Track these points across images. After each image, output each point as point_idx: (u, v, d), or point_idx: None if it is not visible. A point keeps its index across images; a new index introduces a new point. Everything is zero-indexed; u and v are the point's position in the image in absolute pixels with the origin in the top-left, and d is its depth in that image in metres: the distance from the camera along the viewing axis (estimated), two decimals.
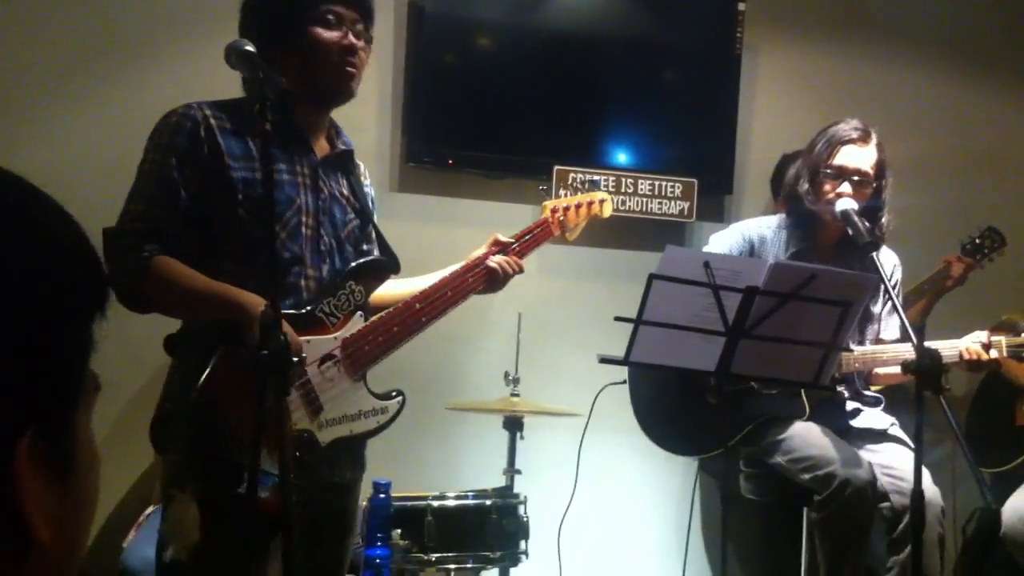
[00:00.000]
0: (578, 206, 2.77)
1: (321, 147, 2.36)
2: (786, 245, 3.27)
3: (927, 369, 2.57)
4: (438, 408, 3.68)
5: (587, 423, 3.62)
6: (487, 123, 3.91)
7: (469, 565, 3.13)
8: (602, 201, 2.83)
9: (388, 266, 2.38)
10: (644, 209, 4.12)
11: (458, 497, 3.20)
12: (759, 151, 4.14)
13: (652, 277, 2.56)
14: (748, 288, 2.59)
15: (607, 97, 4.16)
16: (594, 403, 3.60)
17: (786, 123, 3.94)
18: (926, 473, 2.97)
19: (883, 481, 3.11)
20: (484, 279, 2.54)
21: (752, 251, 3.28)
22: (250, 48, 2.05)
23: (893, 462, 3.16)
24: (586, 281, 4.12)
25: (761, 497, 3.35)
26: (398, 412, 2.37)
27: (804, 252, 3.23)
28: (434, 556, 3.07)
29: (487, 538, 3.12)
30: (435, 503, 3.12)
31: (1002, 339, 3.07)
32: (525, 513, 3.22)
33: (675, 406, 3.28)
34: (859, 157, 3.20)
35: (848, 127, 3.24)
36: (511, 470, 3.39)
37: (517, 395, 3.47)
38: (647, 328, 2.62)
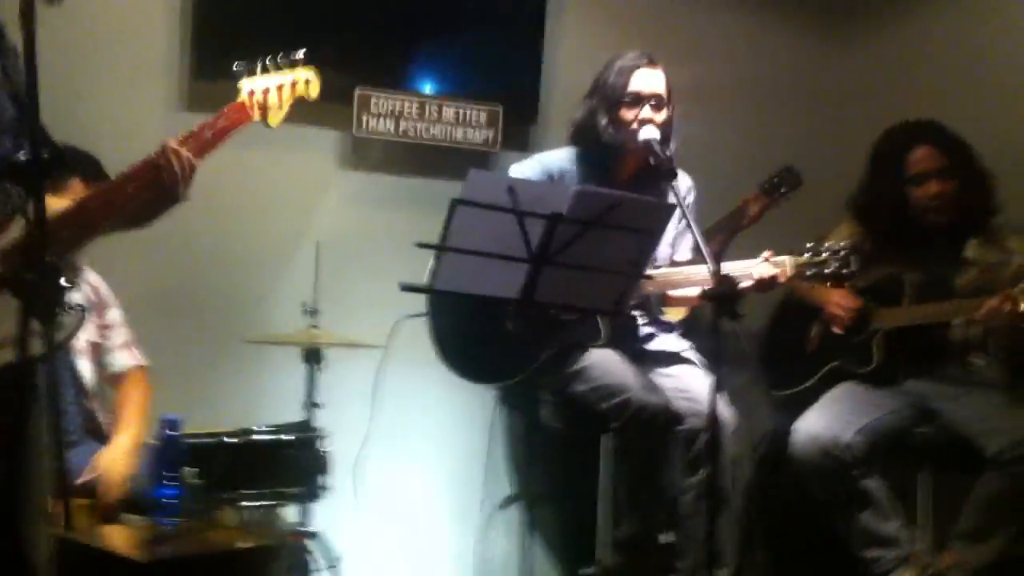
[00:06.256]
0: (280, 86, 2.45)
1: None
2: (584, 179, 3.27)
3: (723, 295, 2.63)
4: (233, 341, 3.53)
5: (384, 355, 3.55)
6: (285, 40, 3.69)
7: (266, 502, 3.03)
8: (308, 80, 2.50)
9: (52, 162, 2.03)
10: (448, 137, 4.04)
11: (253, 432, 3.09)
12: (565, 80, 4.12)
13: (455, 202, 2.50)
14: (552, 214, 2.55)
15: (411, 19, 4.03)
16: (391, 334, 3.53)
17: (594, 51, 3.91)
18: (721, 396, 3.05)
19: (679, 404, 3.17)
20: (161, 171, 2.20)
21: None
22: None
23: (688, 385, 3.23)
24: (388, 210, 4.01)
25: (563, 425, 3.36)
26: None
27: (602, 184, 3.24)
28: (228, 494, 2.95)
29: (284, 474, 3.04)
30: (228, 439, 3.00)
31: (786, 258, 3.14)
32: (323, 447, 3.14)
33: (475, 335, 3.24)
34: (652, 80, 3.27)
35: (633, 55, 3.31)
36: (309, 404, 3.29)
37: (316, 327, 3.36)
38: (451, 255, 2.56)
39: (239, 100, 2.43)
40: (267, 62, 2.48)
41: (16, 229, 1.99)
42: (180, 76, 3.71)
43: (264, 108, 2.45)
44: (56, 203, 2.06)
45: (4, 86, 2.05)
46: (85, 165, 3.07)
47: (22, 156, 1.99)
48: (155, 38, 3.70)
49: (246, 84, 2.45)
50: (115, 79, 3.64)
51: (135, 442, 3.11)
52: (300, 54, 2.51)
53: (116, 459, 3.02)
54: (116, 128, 3.52)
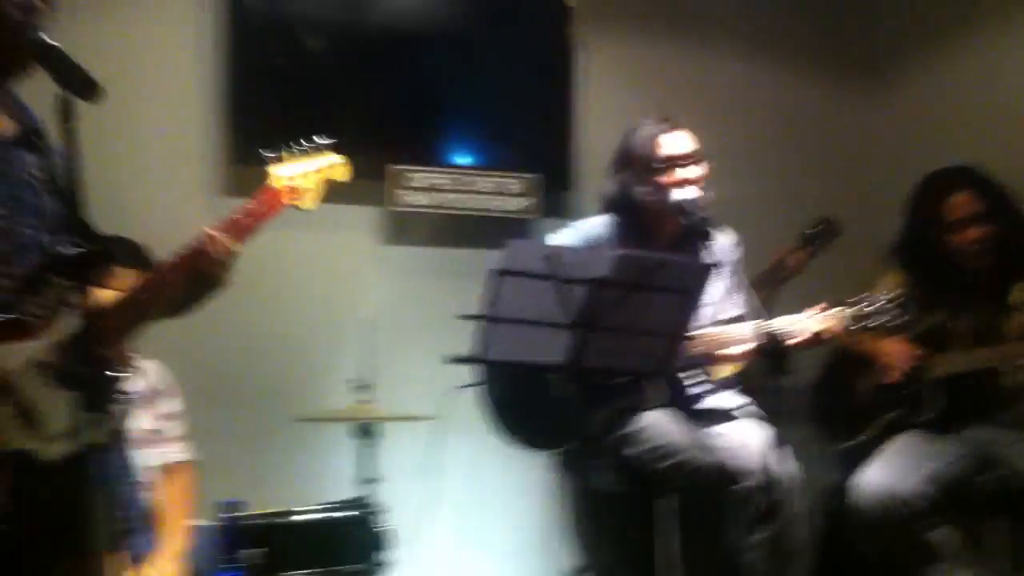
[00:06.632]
0: (309, 172, 2.50)
1: (3, 125, 2.08)
2: (623, 244, 3.27)
3: (772, 351, 2.60)
4: (285, 421, 3.54)
5: (440, 427, 3.53)
6: (318, 122, 3.74)
7: None
8: (335, 165, 2.56)
9: (100, 256, 2.05)
10: (485, 207, 4.08)
11: (311, 511, 3.08)
12: (598, 145, 4.12)
13: (495, 272, 2.50)
14: (593, 279, 2.55)
15: (442, 95, 4.12)
16: (445, 406, 3.50)
17: (623, 115, 3.94)
18: (777, 453, 3.00)
19: (734, 462, 3.12)
20: (204, 261, 2.24)
21: None
22: (50, 40, 1.89)
23: (743, 442, 3.17)
24: (431, 281, 4.05)
25: (618, 489, 3.32)
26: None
27: (642, 248, 3.24)
28: (290, 574, 2.93)
29: (342, 552, 3.01)
30: (287, 519, 2.99)
31: (836, 312, 3.10)
32: (381, 523, 3.12)
33: (525, 402, 3.22)
34: (680, 141, 3.27)
35: (654, 122, 3.31)
36: (365, 479, 3.28)
37: (367, 402, 3.37)
38: (495, 325, 2.56)
39: (272, 187, 2.45)
40: (296, 148, 2.50)
41: (67, 323, 2.01)
42: (217, 162, 3.80)
43: (296, 193, 2.47)
44: (104, 295, 2.08)
45: (48, 185, 2.10)
46: (131, 253, 3.11)
47: (69, 251, 2.03)
48: (191, 126, 3.79)
49: (277, 171, 2.47)
50: (155, 167, 3.74)
51: (179, 550, 3.11)
52: (326, 140, 2.56)
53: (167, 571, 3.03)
54: (159, 214, 3.60)
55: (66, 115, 1.83)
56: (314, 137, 2.55)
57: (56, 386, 1.92)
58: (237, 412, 3.74)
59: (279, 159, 2.47)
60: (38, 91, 2.06)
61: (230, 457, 3.60)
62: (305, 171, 2.50)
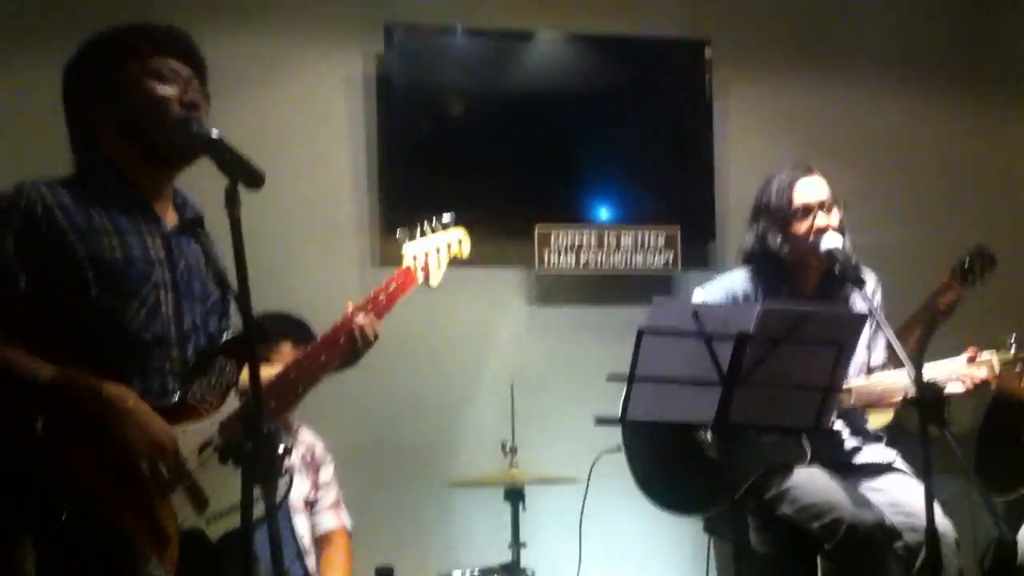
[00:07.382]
0: (438, 249, 2.58)
1: (169, 216, 2.19)
2: (767, 296, 3.22)
3: (929, 403, 2.53)
4: (436, 484, 3.61)
5: (587, 489, 3.53)
6: (464, 188, 3.88)
7: None
8: (460, 240, 2.64)
9: (259, 337, 2.18)
10: (628, 264, 4.09)
11: None
12: (740, 193, 4.09)
13: (642, 331, 2.52)
14: (739, 334, 2.54)
15: (582, 153, 4.16)
16: (591, 470, 3.51)
17: (764, 162, 3.92)
18: (937, 507, 2.91)
19: (894, 519, 3.03)
20: (350, 341, 2.33)
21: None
22: (215, 134, 2.00)
23: (902, 498, 3.09)
24: (576, 342, 4.06)
25: (774, 549, 3.25)
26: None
27: (786, 298, 3.20)
28: None
29: None
30: None
31: (991, 355, 2.99)
32: None
33: (674, 464, 3.20)
34: (815, 187, 3.22)
35: (789, 169, 3.27)
36: (516, 544, 3.29)
37: (516, 465, 3.39)
38: (642, 384, 2.57)
39: (404, 265, 2.55)
40: (424, 226, 2.60)
41: (231, 402, 2.11)
42: (372, 234, 3.93)
43: (426, 270, 2.57)
44: (264, 372, 2.19)
45: (209, 273, 2.20)
46: (294, 329, 3.24)
47: (232, 334, 2.14)
48: (345, 200, 3.93)
49: (408, 249, 2.57)
50: (313, 243, 3.89)
51: None
52: (449, 217, 2.65)
53: None
54: (319, 286, 3.72)
55: (231, 202, 1.91)
56: (443, 214, 2.64)
57: (223, 464, 1.98)
58: (389, 476, 3.82)
59: (409, 237, 2.57)
60: (190, 174, 2.19)
61: (383, 520, 3.69)
62: (432, 248, 2.59)
